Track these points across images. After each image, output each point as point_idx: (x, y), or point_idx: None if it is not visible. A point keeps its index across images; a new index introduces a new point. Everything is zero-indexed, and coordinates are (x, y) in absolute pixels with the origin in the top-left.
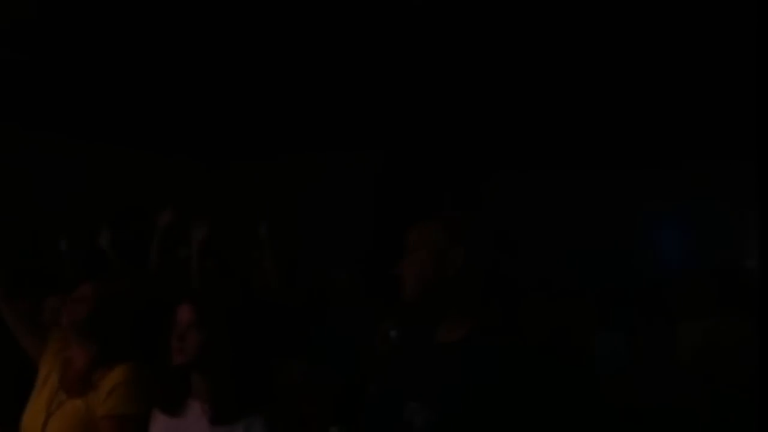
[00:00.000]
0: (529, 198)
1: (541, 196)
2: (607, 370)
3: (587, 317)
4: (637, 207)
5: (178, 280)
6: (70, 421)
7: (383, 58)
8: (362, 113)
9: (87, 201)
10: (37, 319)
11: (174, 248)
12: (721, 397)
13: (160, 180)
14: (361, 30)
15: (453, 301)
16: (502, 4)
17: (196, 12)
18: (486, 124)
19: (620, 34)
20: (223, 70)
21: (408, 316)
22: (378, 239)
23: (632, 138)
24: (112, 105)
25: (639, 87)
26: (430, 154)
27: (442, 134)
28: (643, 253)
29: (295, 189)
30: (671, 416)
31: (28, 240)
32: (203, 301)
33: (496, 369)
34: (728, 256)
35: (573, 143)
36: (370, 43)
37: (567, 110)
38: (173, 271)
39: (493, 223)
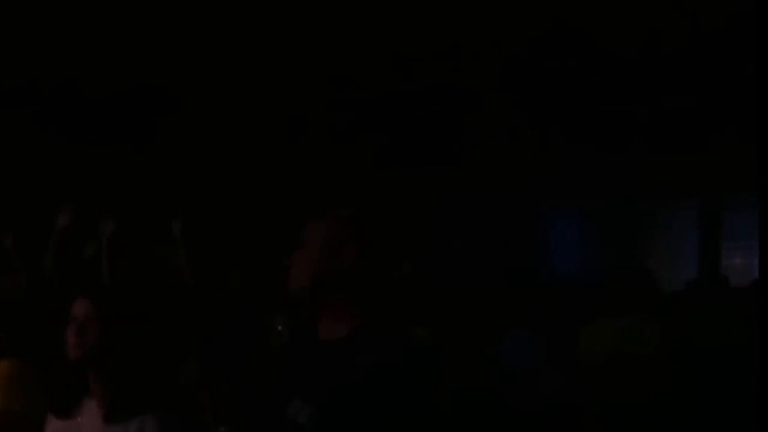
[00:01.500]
0: (436, 197)
1: (448, 195)
2: (512, 368)
3: (489, 316)
4: (540, 205)
5: (78, 278)
6: None
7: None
8: None
9: None
10: None
11: (80, 246)
12: (630, 398)
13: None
14: None
15: (341, 297)
16: None
17: None
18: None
19: None
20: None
21: (295, 312)
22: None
23: (536, 138)
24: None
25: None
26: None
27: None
28: (547, 252)
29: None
30: (570, 415)
31: None
32: (101, 295)
33: (377, 367)
34: (629, 256)
35: (478, 141)
36: None
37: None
38: (75, 270)
39: (394, 221)
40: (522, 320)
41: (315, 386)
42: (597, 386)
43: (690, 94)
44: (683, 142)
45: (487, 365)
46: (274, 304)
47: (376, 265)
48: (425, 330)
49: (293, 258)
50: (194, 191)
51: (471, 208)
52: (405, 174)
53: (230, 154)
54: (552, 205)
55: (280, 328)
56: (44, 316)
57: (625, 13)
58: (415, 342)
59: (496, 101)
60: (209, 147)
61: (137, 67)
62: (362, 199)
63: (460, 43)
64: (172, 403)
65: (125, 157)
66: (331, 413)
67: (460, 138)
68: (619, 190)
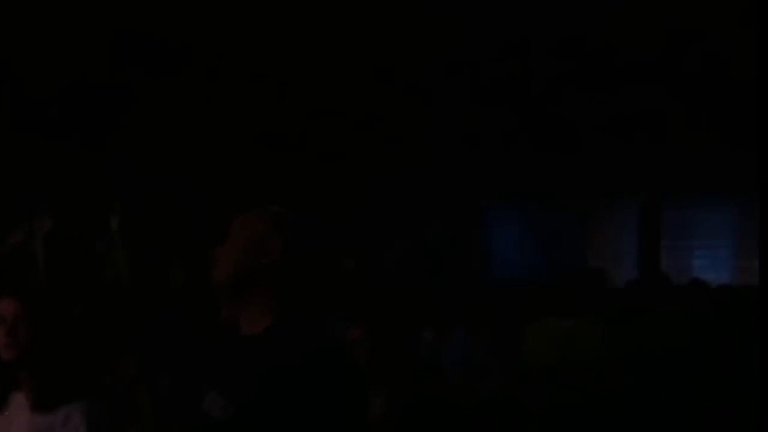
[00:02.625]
0: (374, 197)
1: (387, 196)
2: (447, 365)
3: (418, 312)
4: (482, 206)
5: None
6: None
7: None
8: None
9: None
10: None
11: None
12: (572, 398)
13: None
14: None
15: (263, 292)
16: None
17: None
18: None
19: None
20: None
21: (217, 304)
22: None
23: (477, 139)
24: None
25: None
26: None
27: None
28: (486, 252)
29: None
30: (512, 414)
31: None
32: (29, 294)
33: (293, 362)
34: (570, 256)
35: (411, 142)
36: None
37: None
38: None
39: (321, 219)
40: (464, 320)
41: (231, 380)
42: (540, 386)
43: (632, 95)
44: (623, 143)
45: (418, 364)
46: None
47: (299, 262)
48: (359, 329)
49: (217, 252)
50: (133, 187)
51: (414, 209)
52: (348, 174)
53: (168, 150)
54: (494, 205)
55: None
56: None
57: (561, 14)
58: (334, 339)
59: (437, 103)
60: (148, 142)
61: (77, 63)
62: (301, 197)
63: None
64: (101, 395)
65: (63, 153)
66: (244, 407)
67: (401, 139)
68: (559, 189)
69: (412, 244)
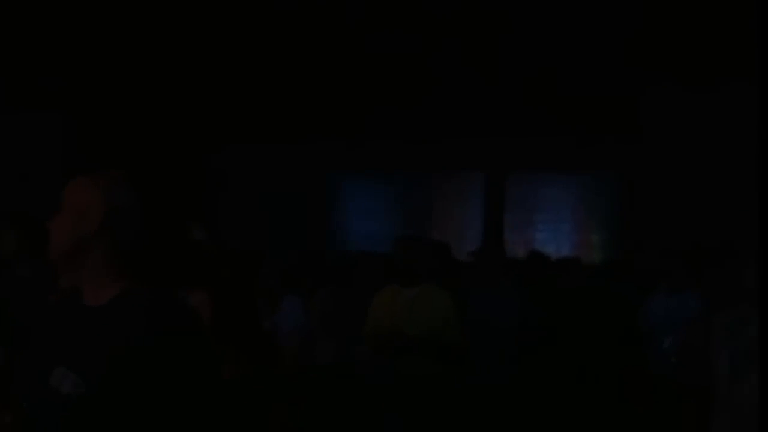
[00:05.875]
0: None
1: (246, 168)
2: (286, 330)
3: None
4: (329, 176)
5: None
6: None
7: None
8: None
9: None
10: None
11: None
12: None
13: None
14: None
15: (98, 260)
16: None
17: None
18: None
19: None
20: None
21: (58, 277)
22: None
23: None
24: None
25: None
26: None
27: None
28: (335, 221)
29: None
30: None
31: None
32: None
33: (139, 332)
34: (416, 227)
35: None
36: None
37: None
38: None
39: (149, 183)
40: (302, 286)
41: (79, 353)
42: (383, 353)
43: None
44: (469, 119)
45: (258, 329)
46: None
47: (125, 229)
48: (203, 293)
49: (52, 223)
50: None
51: (265, 180)
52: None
53: None
54: (341, 175)
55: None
56: None
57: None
58: (182, 306)
59: (292, 74)
60: None
61: None
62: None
63: None
64: None
65: None
66: (96, 380)
67: (254, 112)
68: (407, 162)
69: (264, 217)
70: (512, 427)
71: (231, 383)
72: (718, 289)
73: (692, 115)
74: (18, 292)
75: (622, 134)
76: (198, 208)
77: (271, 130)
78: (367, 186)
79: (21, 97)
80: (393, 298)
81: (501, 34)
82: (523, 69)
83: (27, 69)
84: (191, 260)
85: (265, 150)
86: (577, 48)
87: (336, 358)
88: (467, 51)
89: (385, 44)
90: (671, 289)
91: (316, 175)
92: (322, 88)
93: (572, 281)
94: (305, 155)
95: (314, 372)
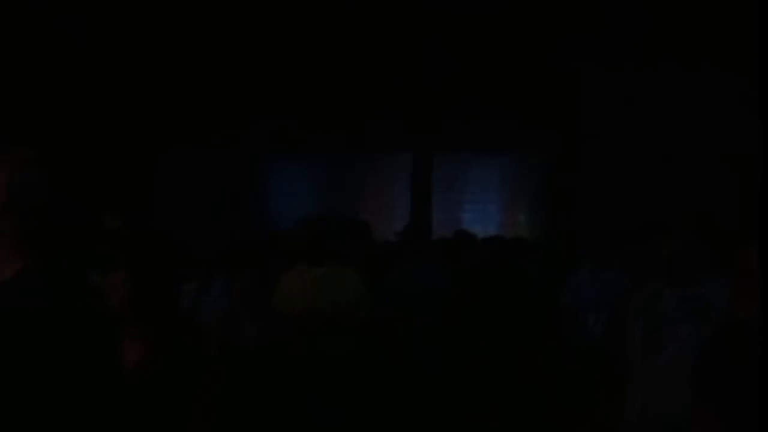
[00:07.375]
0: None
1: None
2: (210, 312)
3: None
4: (255, 157)
5: None
6: None
7: None
8: None
9: None
10: None
11: None
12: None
13: None
14: None
15: (4, 236)
16: None
17: None
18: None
19: None
20: None
21: None
22: None
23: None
24: None
25: None
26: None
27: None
28: (260, 202)
29: None
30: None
31: None
32: None
33: (36, 307)
34: (342, 206)
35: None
36: None
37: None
38: None
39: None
40: (228, 268)
41: None
42: (293, 332)
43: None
44: (397, 101)
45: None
46: None
47: (27, 206)
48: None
49: None
50: None
51: (189, 163)
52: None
53: None
54: (266, 155)
55: None
56: None
57: None
58: (85, 285)
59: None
60: None
61: None
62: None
63: None
64: None
65: None
66: None
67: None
68: (336, 144)
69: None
70: (435, 402)
71: (145, 363)
72: (639, 267)
73: (623, 98)
74: None
75: (549, 116)
76: (147, 202)
77: (209, 129)
78: (299, 170)
79: None
80: (302, 277)
81: (427, 16)
82: (451, 51)
83: None
84: (102, 244)
85: (205, 147)
86: (505, 29)
87: (259, 341)
88: (393, 33)
89: (312, 28)
90: (595, 267)
91: (250, 162)
92: (253, 75)
93: (477, 259)
94: (239, 145)
95: (236, 354)
